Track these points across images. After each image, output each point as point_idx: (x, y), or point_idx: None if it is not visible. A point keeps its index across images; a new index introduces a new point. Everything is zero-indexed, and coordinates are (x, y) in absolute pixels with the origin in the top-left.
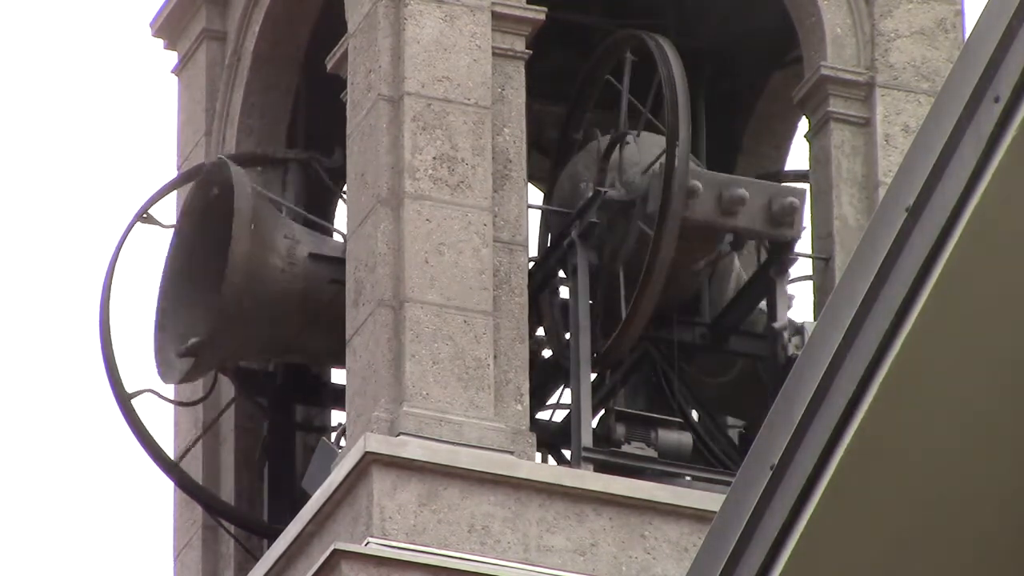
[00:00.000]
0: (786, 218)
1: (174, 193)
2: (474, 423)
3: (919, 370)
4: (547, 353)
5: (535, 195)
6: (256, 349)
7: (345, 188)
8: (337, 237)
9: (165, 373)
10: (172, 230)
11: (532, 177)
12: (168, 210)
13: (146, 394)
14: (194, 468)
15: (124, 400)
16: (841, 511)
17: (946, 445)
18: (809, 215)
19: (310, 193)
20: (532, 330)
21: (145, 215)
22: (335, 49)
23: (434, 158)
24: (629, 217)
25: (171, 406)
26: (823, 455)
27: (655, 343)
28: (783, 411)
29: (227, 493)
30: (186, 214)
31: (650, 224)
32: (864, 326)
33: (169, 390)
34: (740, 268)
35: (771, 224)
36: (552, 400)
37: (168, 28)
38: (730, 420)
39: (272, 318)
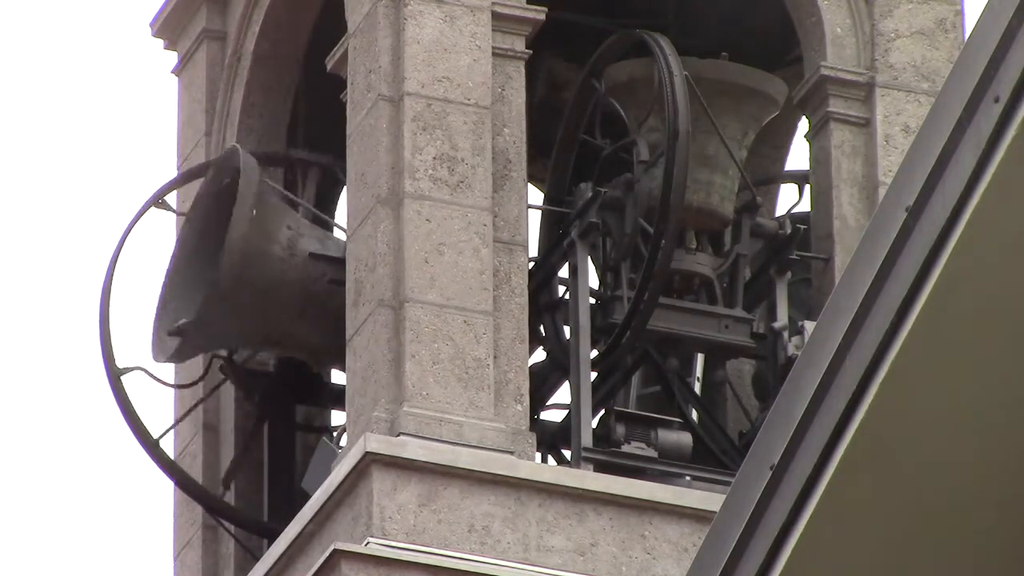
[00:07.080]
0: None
1: (180, 186)
2: (474, 423)
3: (919, 370)
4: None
5: (535, 195)
6: (246, 337)
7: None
8: (341, 235)
9: (157, 352)
10: (183, 217)
11: (532, 177)
12: (172, 200)
13: (137, 372)
14: (194, 468)
15: (114, 376)
16: (841, 511)
17: (946, 445)
18: (809, 215)
19: (319, 194)
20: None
21: (160, 201)
22: (335, 49)
23: (434, 158)
24: (627, 214)
25: (169, 396)
26: (823, 455)
27: (657, 345)
28: (783, 411)
29: (227, 493)
30: (197, 202)
31: (650, 220)
32: (864, 326)
33: (165, 373)
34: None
35: None
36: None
37: (168, 28)
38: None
39: (265, 306)
